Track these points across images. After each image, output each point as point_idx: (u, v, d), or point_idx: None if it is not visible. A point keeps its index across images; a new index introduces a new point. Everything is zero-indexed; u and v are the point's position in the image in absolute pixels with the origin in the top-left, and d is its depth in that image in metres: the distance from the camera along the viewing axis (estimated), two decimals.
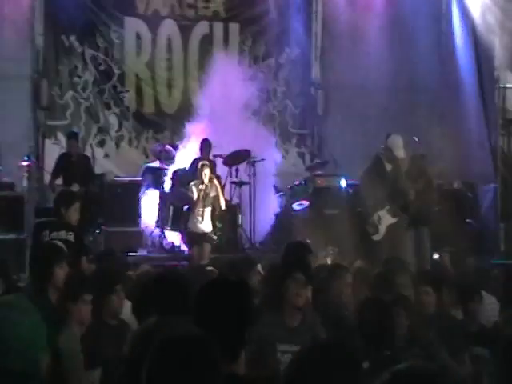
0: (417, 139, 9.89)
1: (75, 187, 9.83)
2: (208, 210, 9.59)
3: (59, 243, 7.14)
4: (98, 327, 4.65)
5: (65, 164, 10.11)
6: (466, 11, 11.58)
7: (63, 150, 10.68)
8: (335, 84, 12.03)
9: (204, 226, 9.60)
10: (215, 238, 9.74)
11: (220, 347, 2.34)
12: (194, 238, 9.57)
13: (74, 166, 10.01)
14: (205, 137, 10.60)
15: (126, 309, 5.13)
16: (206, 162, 9.73)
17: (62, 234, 7.45)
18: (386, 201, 8.76)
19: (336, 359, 2.25)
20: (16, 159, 10.62)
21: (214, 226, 9.70)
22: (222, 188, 9.89)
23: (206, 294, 2.79)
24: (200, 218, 9.54)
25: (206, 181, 9.54)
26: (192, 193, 9.53)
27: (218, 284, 2.96)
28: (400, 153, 8.80)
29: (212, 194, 9.59)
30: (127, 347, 3.22)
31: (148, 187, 10.49)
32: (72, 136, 10.49)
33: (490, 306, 5.58)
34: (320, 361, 2.24)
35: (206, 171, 9.58)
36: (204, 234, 9.57)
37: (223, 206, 9.74)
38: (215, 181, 9.70)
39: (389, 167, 8.93)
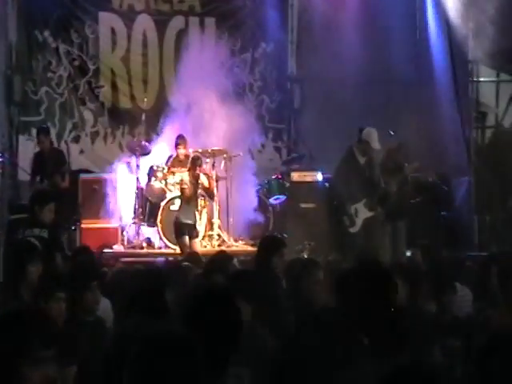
0: (392, 133, 9.95)
1: (44, 184, 9.76)
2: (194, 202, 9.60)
3: (33, 240, 7.11)
4: (73, 324, 4.63)
5: (39, 162, 10.03)
6: (440, 5, 11.64)
7: (37, 147, 10.59)
8: (311, 78, 12.04)
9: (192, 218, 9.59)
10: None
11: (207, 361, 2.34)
12: (181, 228, 9.52)
13: (46, 162, 9.94)
14: (180, 132, 10.59)
15: (103, 305, 5.13)
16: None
17: (36, 231, 7.43)
18: (360, 194, 8.81)
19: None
20: None
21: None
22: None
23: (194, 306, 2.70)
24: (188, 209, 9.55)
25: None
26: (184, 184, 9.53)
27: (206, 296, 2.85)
28: (376, 144, 8.87)
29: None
30: (106, 346, 3.20)
31: None
32: (40, 131, 10.41)
33: (463, 298, 5.63)
34: None
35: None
36: (192, 226, 9.55)
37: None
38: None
39: (362, 160, 8.98)
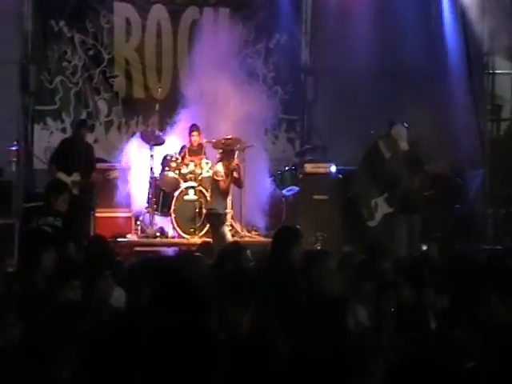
0: (406, 125, 9.91)
1: (76, 176, 9.80)
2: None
3: (46, 228, 7.18)
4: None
5: (67, 151, 10.03)
6: None
7: (52, 135, 10.64)
8: (325, 69, 12.02)
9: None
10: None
11: None
12: (219, 218, 9.63)
13: (77, 153, 9.94)
14: (194, 122, 10.61)
15: (116, 294, 5.16)
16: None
17: (50, 219, 7.50)
18: (382, 188, 8.80)
19: None
20: (4, 144, 10.60)
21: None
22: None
23: None
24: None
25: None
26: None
27: None
28: (404, 145, 8.83)
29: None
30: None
31: None
32: (83, 125, 10.45)
33: None
34: None
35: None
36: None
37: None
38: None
39: (388, 155, 8.95)
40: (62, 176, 9.62)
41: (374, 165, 8.82)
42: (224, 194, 9.69)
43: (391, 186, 8.77)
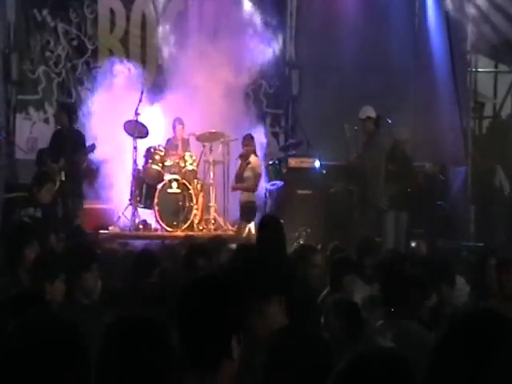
0: (390, 121, 9.96)
1: (61, 162, 9.70)
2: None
3: (26, 219, 7.11)
4: (70, 307, 4.58)
5: (57, 141, 9.93)
6: None
7: (34, 125, 10.54)
8: (310, 64, 12.02)
9: None
10: None
11: (198, 354, 2.31)
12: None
13: (64, 141, 9.83)
14: (177, 115, 10.57)
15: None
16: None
17: (30, 210, 7.45)
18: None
19: None
20: None
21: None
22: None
23: (189, 293, 2.45)
24: None
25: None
26: None
27: (205, 282, 2.53)
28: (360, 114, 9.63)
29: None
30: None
31: None
32: (60, 108, 10.35)
33: (459, 287, 5.67)
34: None
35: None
36: None
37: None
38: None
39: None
40: (50, 164, 9.56)
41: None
42: None
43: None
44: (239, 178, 10.46)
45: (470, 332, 1.73)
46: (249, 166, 10.39)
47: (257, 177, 10.41)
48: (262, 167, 10.58)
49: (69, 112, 10.29)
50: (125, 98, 10.51)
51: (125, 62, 11.00)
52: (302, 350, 2.39)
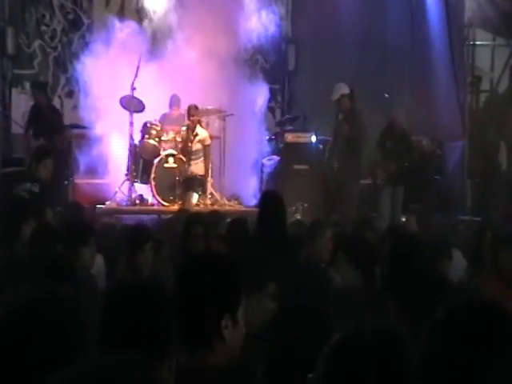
0: (387, 95, 9.93)
1: (41, 140, 9.71)
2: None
3: (23, 194, 7.12)
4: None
5: (35, 116, 9.94)
6: None
7: (31, 100, 10.50)
8: (306, 39, 11.96)
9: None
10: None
11: (191, 333, 2.29)
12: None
13: (42, 118, 9.86)
14: (174, 90, 10.52)
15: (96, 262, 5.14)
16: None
17: (28, 185, 7.45)
18: None
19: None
20: None
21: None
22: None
23: (184, 270, 2.44)
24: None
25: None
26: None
27: (200, 259, 2.51)
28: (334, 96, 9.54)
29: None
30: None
31: None
32: (34, 86, 10.32)
33: (455, 261, 5.69)
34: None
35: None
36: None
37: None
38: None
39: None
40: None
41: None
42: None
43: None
44: (187, 151, 10.07)
45: (469, 323, 1.71)
46: (196, 137, 10.12)
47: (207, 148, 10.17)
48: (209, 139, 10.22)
49: (45, 90, 10.20)
50: (121, 72, 10.44)
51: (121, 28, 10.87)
52: (304, 322, 2.39)
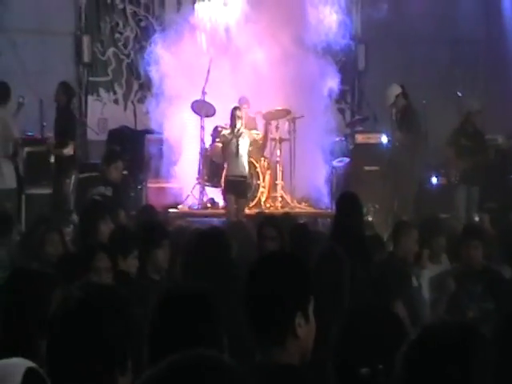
0: (460, 94, 9.77)
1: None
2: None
3: (97, 197, 7.31)
4: (142, 282, 4.69)
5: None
6: None
7: (105, 107, 10.70)
8: (376, 38, 11.86)
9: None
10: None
11: (264, 331, 2.33)
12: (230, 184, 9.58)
13: (57, 117, 9.69)
14: (243, 93, 10.59)
15: None
16: (238, 106, 9.83)
17: (101, 188, 7.63)
18: None
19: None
20: None
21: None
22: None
23: (256, 269, 2.44)
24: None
25: (239, 125, 9.60)
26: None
27: (272, 259, 2.53)
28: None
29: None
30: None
31: None
32: (60, 85, 9.72)
33: None
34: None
35: (238, 113, 9.64)
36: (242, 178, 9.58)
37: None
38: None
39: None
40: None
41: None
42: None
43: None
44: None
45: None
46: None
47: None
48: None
49: (67, 92, 9.99)
50: (192, 77, 10.59)
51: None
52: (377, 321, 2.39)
